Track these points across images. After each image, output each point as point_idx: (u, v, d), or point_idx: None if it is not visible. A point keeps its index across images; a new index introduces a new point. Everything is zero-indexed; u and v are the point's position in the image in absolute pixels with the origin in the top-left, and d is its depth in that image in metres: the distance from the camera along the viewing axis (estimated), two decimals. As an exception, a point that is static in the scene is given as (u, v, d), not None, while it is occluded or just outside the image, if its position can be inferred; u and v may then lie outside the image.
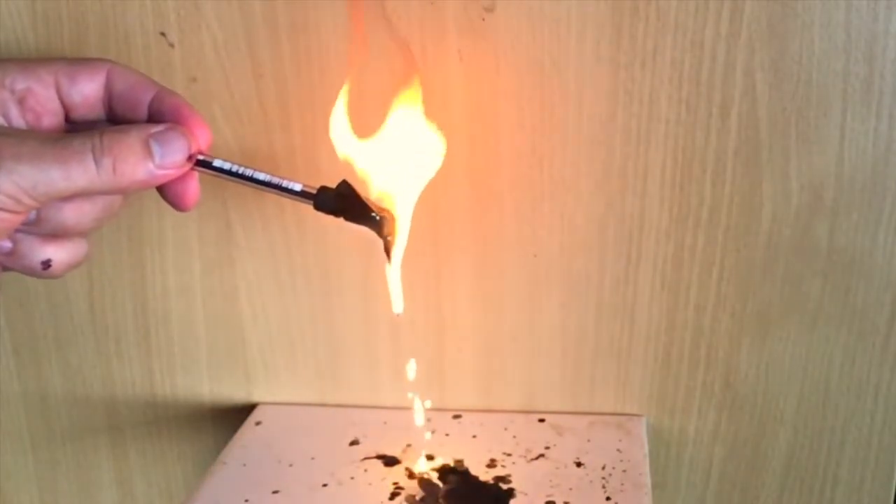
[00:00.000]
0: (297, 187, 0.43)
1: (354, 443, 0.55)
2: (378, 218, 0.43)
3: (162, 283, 0.57)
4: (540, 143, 0.51)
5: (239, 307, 0.57)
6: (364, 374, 0.58)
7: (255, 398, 0.60)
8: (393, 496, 0.50)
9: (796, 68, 0.48)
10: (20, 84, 0.41)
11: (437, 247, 0.54)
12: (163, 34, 0.51)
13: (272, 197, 0.53)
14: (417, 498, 0.50)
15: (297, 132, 0.52)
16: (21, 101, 0.42)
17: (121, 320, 0.59)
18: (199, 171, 0.42)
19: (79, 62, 0.43)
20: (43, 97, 0.42)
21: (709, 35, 0.48)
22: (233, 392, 0.60)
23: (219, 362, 0.59)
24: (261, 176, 0.43)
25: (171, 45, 0.51)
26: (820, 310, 0.53)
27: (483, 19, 0.49)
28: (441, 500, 0.50)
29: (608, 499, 0.49)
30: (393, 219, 0.44)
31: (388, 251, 0.45)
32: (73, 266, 0.43)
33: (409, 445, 0.55)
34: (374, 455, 0.54)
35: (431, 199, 0.53)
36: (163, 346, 0.59)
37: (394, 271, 0.46)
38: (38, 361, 0.60)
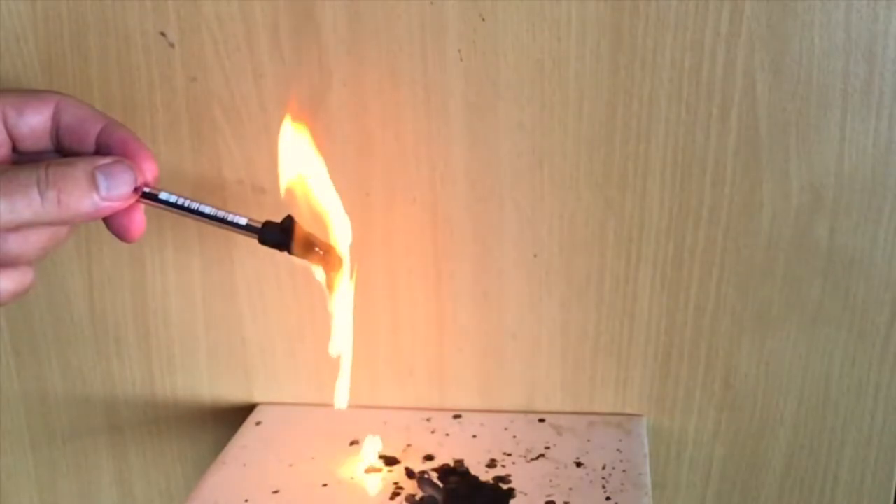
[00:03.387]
0: (243, 221, 0.43)
1: (354, 443, 0.55)
2: (321, 253, 0.43)
3: (162, 282, 0.57)
4: (540, 143, 0.51)
5: (239, 307, 0.57)
6: (364, 374, 0.58)
7: (255, 398, 0.60)
8: (393, 496, 0.50)
9: (796, 68, 0.48)
10: None
11: (437, 247, 0.54)
12: (163, 34, 0.51)
13: (273, 196, 0.53)
14: (417, 498, 0.50)
15: (297, 132, 0.52)
16: None
17: (121, 320, 0.59)
18: (144, 203, 0.43)
19: (27, 94, 0.44)
20: None
21: (709, 35, 0.48)
22: (233, 392, 0.60)
23: (219, 362, 0.59)
24: (206, 209, 0.43)
25: (171, 45, 0.51)
26: (820, 310, 0.53)
27: (483, 19, 0.49)
28: (441, 500, 0.50)
29: (608, 499, 0.49)
30: (337, 255, 0.44)
31: (329, 286, 0.45)
32: (19, 295, 0.42)
33: (409, 445, 0.55)
34: (374, 455, 0.54)
35: (431, 199, 0.53)
36: (163, 346, 0.59)
37: (338, 310, 0.46)
38: (38, 361, 0.60)
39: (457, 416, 0.57)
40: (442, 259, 0.54)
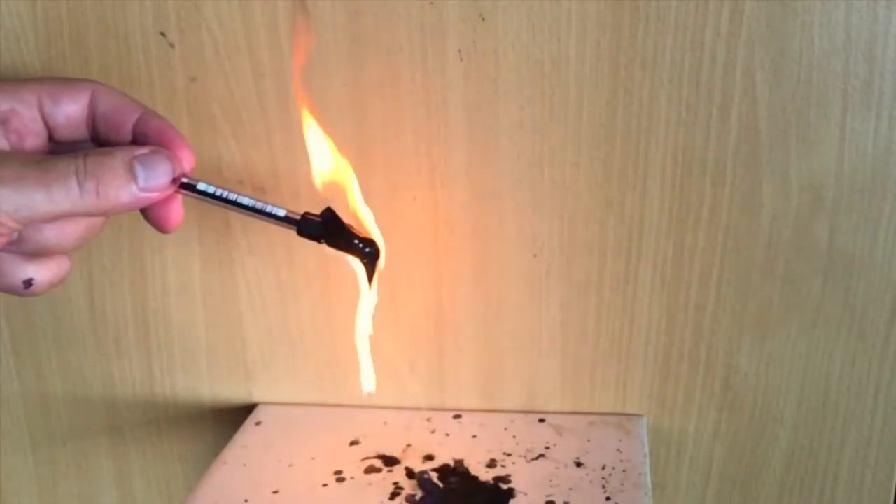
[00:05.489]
0: (281, 213, 0.43)
1: (354, 443, 0.55)
2: (361, 245, 0.43)
3: (162, 282, 0.57)
4: (540, 143, 0.51)
5: (239, 307, 0.57)
6: (364, 374, 0.58)
7: (255, 398, 0.60)
8: (393, 496, 0.50)
9: (796, 68, 0.48)
10: (3, 105, 0.41)
11: (437, 247, 0.54)
12: (163, 34, 0.51)
13: (273, 196, 0.53)
14: (417, 498, 0.50)
15: (297, 132, 0.52)
16: (4, 122, 0.41)
17: (121, 320, 0.59)
18: (182, 193, 0.42)
19: (62, 82, 0.43)
20: (26, 118, 0.42)
21: (709, 35, 0.48)
22: (233, 392, 0.60)
23: (219, 362, 0.59)
24: (245, 200, 0.43)
25: (171, 45, 0.51)
26: (820, 310, 0.53)
27: (483, 19, 0.49)
28: (441, 500, 0.50)
29: (608, 499, 0.49)
30: (377, 247, 0.44)
31: (370, 278, 0.45)
32: (55, 285, 0.42)
33: (409, 445, 0.55)
34: (374, 455, 0.54)
35: (431, 199, 0.53)
36: (163, 346, 0.59)
37: (371, 302, 0.46)
38: (38, 361, 0.60)
39: (457, 416, 0.57)
40: (442, 259, 0.54)
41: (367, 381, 0.49)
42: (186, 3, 0.50)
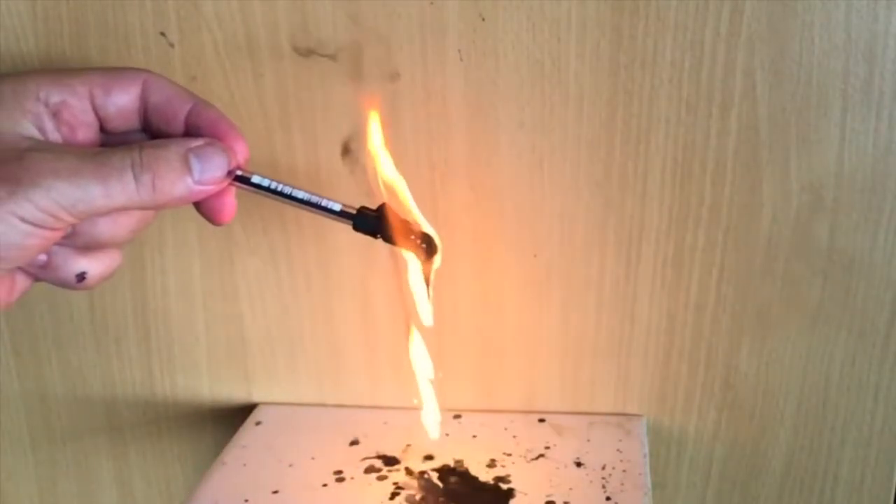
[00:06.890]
0: (336, 207, 0.42)
1: (354, 443, 0.55)
2: (417, 241, 0.43)
3: (162, 283, 0.57)
4: (540, 143, 0.51)
5: (239, 307, 0.57)
6: (364, 374, 0.58)
7: (255, 398, 0.60)
8: (393, 496, 0.50)
9: (796, 68, 0.48)
10: (55, 97, 0.41)
11: (437, 247, 0.54)
12: (163, 34, 0.51)
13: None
14: (417, 498, 0.50)
15: (296, 132, 0.52)
16: (56, 115, 0.41)
17: (121, 320, 0.59)
18: (237, 186, 0.42)
19: (114, 73, 0.42)
20: (77, 110, 0.41)
21: (709, 35, 0.48)
22: (233, 392, 0.60)
23: (219, 362, 0.59)
24: (299, 194, 0.42)
25: (171, 45, 0.51)
26: (820, 310, 0.53)
27: (483, 19, 0.49)
28: (441, 500, 0.50)
29: (608, 499, 0.49)
30: (434, 242, 0.44)
31: (426, 275, 0.45)
32: (106, 278, 0.42)
33: (409, 445, 0.55)
34: (374, 455, 0.54)
35: (431, 199, 0.53)
36: (163, 346, 0.59)
37: (426, 297, 0.46)
38: (38, 361, 0.60)
39: (457, 416, 0.57)
40: (442, 259, 0.54)
41: (433, 426, 0.49)
42: (186, 3, 0.50)
